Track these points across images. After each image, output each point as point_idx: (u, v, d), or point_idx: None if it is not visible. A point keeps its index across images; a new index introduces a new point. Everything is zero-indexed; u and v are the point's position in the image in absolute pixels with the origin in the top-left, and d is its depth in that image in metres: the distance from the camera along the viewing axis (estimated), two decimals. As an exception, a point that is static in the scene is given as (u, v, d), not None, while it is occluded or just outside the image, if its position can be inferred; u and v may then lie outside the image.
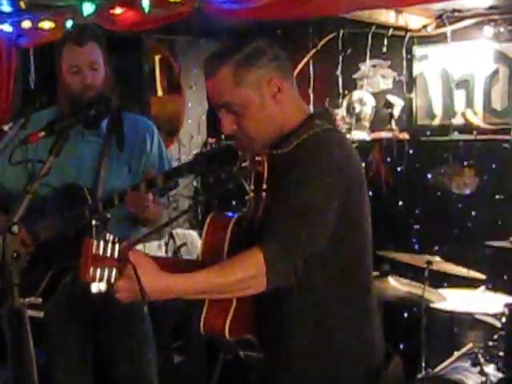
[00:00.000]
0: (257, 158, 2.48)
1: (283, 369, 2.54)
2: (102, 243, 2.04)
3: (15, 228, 2.54)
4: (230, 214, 2.54)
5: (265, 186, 2.43)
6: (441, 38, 5.87)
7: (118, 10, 5.09)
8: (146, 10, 4.87)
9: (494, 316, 4.53)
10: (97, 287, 2.04)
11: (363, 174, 2.56)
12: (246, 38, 2.54)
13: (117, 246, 2.06)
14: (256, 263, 2.21)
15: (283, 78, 2.48)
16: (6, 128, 5.06)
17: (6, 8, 5.41)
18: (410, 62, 6.05)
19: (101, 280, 2.04)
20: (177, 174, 3.27)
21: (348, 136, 6.25)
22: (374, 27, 6.05)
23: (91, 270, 2.03)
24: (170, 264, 2.36)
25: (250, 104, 2.43)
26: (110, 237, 2.05)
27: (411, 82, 6.07)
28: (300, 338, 2.48)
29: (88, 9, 5.07)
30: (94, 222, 3.40)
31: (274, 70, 2.45)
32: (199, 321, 2.40)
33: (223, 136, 2.66)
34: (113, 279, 2.06)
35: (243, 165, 2.63)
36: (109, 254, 2.04)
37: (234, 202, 6.77)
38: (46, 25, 5.45)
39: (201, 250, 2.48)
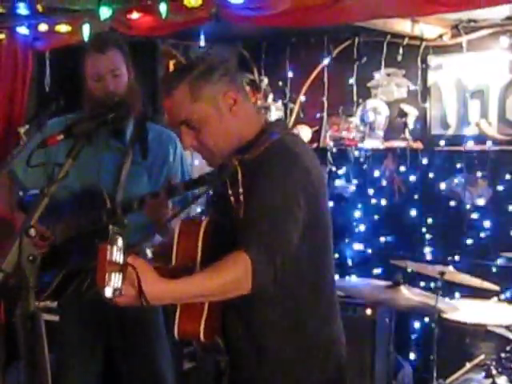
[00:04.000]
0: (228, 165, 2.54)
1: (254, 369, 2.61)
2: (114, 249, 2.07)
3: (32, 231, 2.54)
4: (199, 217, 2.61)
5: (241, 190, 2.49)
6: (456, 48, 5.86)
7: (134, 15, 5.09)
8: (164, 15, 4.87)
9: (507, 328, 4.51)
10: (110, 292, 2.06)
11: (324, 178, 2.79)
12: (197, 58, 2.75)
13: (123, 252, 2.10)
14: (243, 265, 2.28)
15: (237, 91, 2.59)
16: (21, 130, 5.08)
17: (23, 11, 5.42)
18: (424, 71, 6.04)
19: (112, 284, 2.07)
20: (198, 183, 3.29)
21: (361, 145, 6.26)
22: (389, 36, 6.06)
23: (107, 275, 2.05)
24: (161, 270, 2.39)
25: (208, 118, 2.53)
26: (120, 242, 2.09)
27: (426, 91, 6.05)
28: (271, 338, 2.58)
29: (105, 13, 5.07)
30: (111, 227, 3.42)
31: (228, 84, 2.56)
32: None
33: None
34: (119, 284, 2.08)
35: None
36: (118, 260, 2.08)
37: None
38: (63, 28, 5.46)
39: (173, 256, 2.50)
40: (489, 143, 5.72)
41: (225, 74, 2.56)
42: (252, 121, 2.65)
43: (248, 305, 2.49)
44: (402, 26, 5.69)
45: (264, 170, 2.47)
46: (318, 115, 6.50)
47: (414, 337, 5.88)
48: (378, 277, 4.86)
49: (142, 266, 2.15)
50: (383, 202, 6.20)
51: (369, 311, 5.10)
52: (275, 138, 2.55)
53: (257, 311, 2.55)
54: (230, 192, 2.53)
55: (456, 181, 5.85)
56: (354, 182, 6.33)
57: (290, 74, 6.62)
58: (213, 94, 2.53)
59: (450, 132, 5.93)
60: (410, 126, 6.08)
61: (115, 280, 2.06)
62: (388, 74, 6.22)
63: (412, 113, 6.08)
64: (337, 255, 5.87)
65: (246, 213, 2.45)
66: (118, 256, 2.07)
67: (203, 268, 2.38)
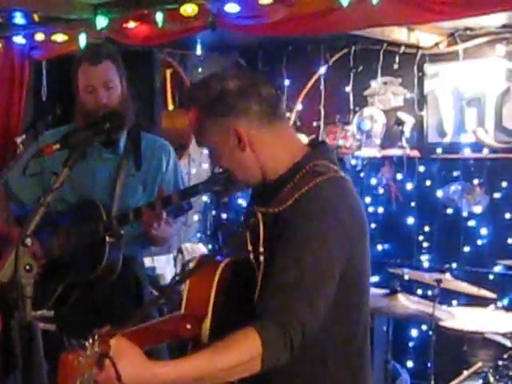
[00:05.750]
0: (252, 219, 2.28)
1: None
2: (81, 355, 1.84)
3: (28, 241, 2.54)
4: (219, 257, 2.36)
5: (262, 249, 2.23)
6: (452, 56, 5.88)
7: (131, 24, 5.09)
8: (160, 24, 4.88)
9: (504, 335, 4.51)
10: None
11: (366, 223, 2.39)
12: (221, 72, 2.40)
13: (96, 343, 1.86)
14: (252, 347, 2.03)
15: (253, 126, 2.30)
16: (18, 140, 5.08)
17: (20, 20, 5.42)
18: (421, 79, 6.06)
19: None
20: (192, 192, 3.26)
21: (358, 153, 6.26)
22: (385, 44, 6.07)
23: None
24: (154, 331, 2.25)
25: (217, 150, 2.35)
26: (88, 340, 1.85)
27: (422, 99, 6.07)
28: None
29: (101, 22, 5.07)
30: (107, 239, 3.43)
31: (238, 119, 2.29)
32: None
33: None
34: (91, 379, 1.86)
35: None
36: (88, 358, 1.85)
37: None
38: (59, 38, 5.46)
39: (184, 301, 2.31)
40: (485, 151, 5.73)
41: (239, 105, 2.28)
42: (281, 153, 2.36)
43: None
44: (399, 34, 5.70)
45: (292, 230, 2.19)
46: (315, 124, 6.51)
47: (411, 345, 5.88)
48: (375, 285, 4.85)
49: (124, 350, 1.92)
50: (380, 210, 6.21)
51: (366, 319, 5.09)
52: (310, 185, 2.24)
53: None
54: (249, 248, 2.28)
55: (453, 188, 5.86)
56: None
57: (287, 83, 6.64)
58: (219, 128, 2.30)
59: (447, 140, 5.94)
60: (407, 134, 6.09)
61: (87, 378, 1.84)
62: (384, 83, 6.23)
63: (409, 121, 6.09)
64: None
65: (267, 276, 2.19)
66: (88, 354, 1.84)
67: (214, 321, 2.21)
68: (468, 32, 5.74)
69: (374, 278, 6.02)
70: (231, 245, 2.38)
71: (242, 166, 2.34)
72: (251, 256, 2.27)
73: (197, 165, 6.88)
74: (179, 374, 1.98)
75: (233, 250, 2.41)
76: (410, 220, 6.03)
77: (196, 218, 6.96)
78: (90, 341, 1.84)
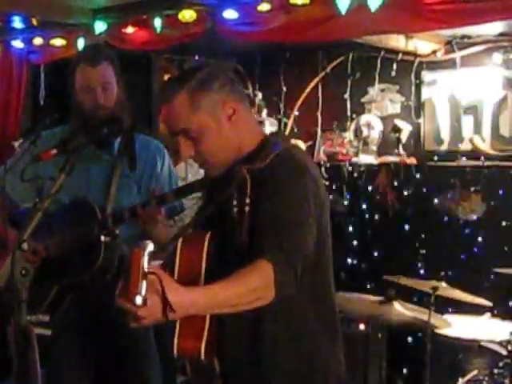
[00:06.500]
0: (238, 174, 2.45)
1: None
2: (145, 255, 1.97)
3: (25, 245, 2.55)
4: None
5: (248, 200, 2.41)
6: (450, 64, 5.89)
7: (129, 29, 5.11)
8: (158, 29, 4.90)
9: (500, 343, 4.50)
10: (140, 300, 1.94)
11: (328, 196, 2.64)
12: (197, 66, 2.61)
13: (148, 259, 1.99)
14: (265, 273, 2.21)
15: (237, 101, 2.52)
16: (16, 144, 5.09)
17: (18, 24, 5.44)
18: (418, 86, 6.06)
19: (141, 292, 1.97)
20: (188, 190, 3.27)
21: (355, 159, 6.27)
22: (383, 52, 6.08)
23: (139, 282, 1.95)
24: None
25: (206, 129, 2.45)
26: (151, 248, 1.99)
27: (419, 106, 6.07)
28: (274, 359, 2.47)
29: (100, 27, 5.09)
30: (103, 238, 3.43)
31: (228, 94, 2.49)
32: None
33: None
34: (144, 292, 1.97)
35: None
36: (145, 267, 1.97)
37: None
38: (58, 42, 5.48)
39: (176, 268, 2.40)
40: (482, 159, 5.73)
41: (225, 83, 2.49)
42: (253, 131, 2.59)
43: (252, 317, 2.38)
44: (396, 41, 5.71)
45: (276, 178, 2.41)
46: (312, 130, 6.52)
47: (406, 352, 5.87)
48: (370, 292, 4.85)
49: (163, 274, 2.06)
50: (376, 217, 6.21)
51: (362, 326, 5.10)
52: (281, 148, 2.49)
53: (260, 324, 2.43)
54: (234, 203, 2.45)
55: (449, 196, 5.86)
56: (348, 196, 6.34)
57: (285, 89, 6.65)
58: (212, 103, 2.45)
59: (444, 147, 5.94)
60: (404, 141, 6.10)
61: (143, 288, 1.96)
62: (382, 90, 6.24)
63: (406, 128, 6.09)
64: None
65: (261, 222, 2.36)
66: (145, 263, 1.97)
67: (208, 282, 2.29)
68: (465, 40, 5.75)
69: (370, 285, 6.03)
70: (215, 204, 2.46)
71: (225, 144, 2.50)
72: (235, 210, 2.43)
73: (194, 170, 6.87)
74: (207, 298, 2.16)
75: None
76: (406, 227, 6.03)
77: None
78: (151, 245, 1.98)
